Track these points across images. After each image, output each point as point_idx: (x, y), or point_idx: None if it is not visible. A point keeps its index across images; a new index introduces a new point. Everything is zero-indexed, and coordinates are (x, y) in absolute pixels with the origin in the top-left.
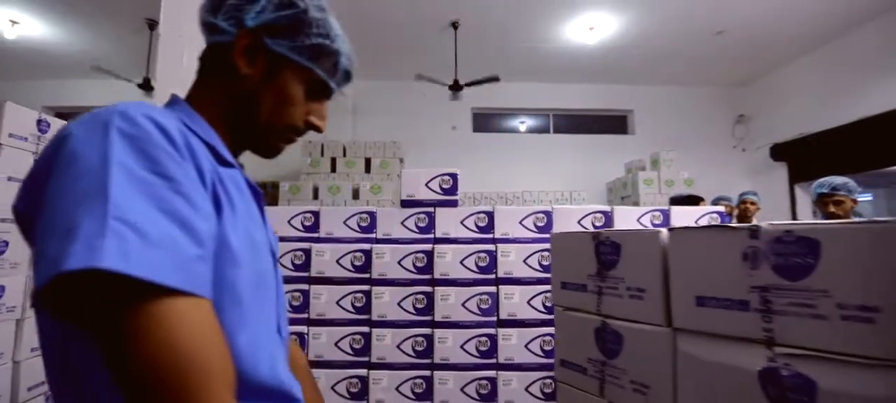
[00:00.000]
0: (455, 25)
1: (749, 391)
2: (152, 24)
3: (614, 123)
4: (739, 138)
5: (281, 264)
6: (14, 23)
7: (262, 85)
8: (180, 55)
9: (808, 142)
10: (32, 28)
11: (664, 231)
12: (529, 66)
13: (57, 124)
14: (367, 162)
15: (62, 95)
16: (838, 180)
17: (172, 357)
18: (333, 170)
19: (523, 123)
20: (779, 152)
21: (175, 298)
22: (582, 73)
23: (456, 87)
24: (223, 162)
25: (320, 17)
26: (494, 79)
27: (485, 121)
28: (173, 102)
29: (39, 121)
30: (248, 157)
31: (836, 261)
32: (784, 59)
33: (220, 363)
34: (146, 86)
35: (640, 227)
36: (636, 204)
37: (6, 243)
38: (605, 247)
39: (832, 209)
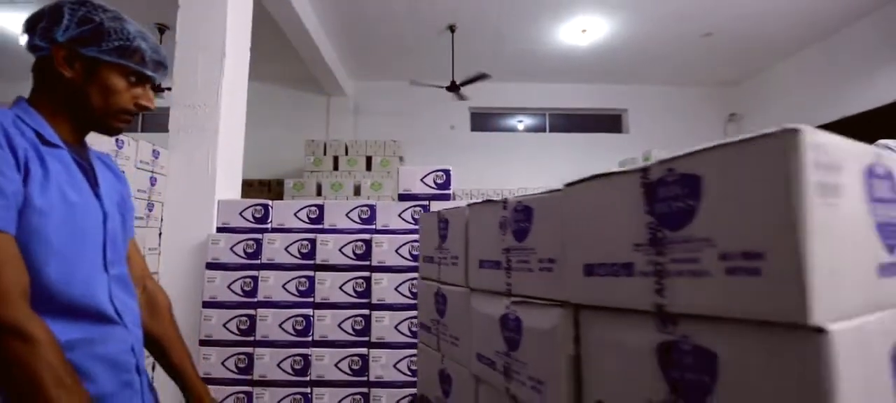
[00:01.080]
0: (452, 29)
1: (497, 333)
2: (162, 29)
3: (609, 122)
4: (731, 136)
5: (289, 252)
6: None
7: (86, 83)
8: (195, 59)
9: None
10: None
11: (467, 208)
12: (525, 68)
13: (136, 143)
14: (368, 160)
15: None
16: None
17: None
18: (336, 168)
19: (521, 122)
20: None
21: None
22: (577, 74)
23: (452, 88)
24: (49, 143)
25: (116, 26)
26: (486, 76)
27: (483, 121)
28: (16, 102)
29: (117, 140)
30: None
31: (541, 225)
32: (774, 58)
33: (14, 273)
34: (156, 88)
35: None
36: None
37: None
38: (442, 224)
39: None
